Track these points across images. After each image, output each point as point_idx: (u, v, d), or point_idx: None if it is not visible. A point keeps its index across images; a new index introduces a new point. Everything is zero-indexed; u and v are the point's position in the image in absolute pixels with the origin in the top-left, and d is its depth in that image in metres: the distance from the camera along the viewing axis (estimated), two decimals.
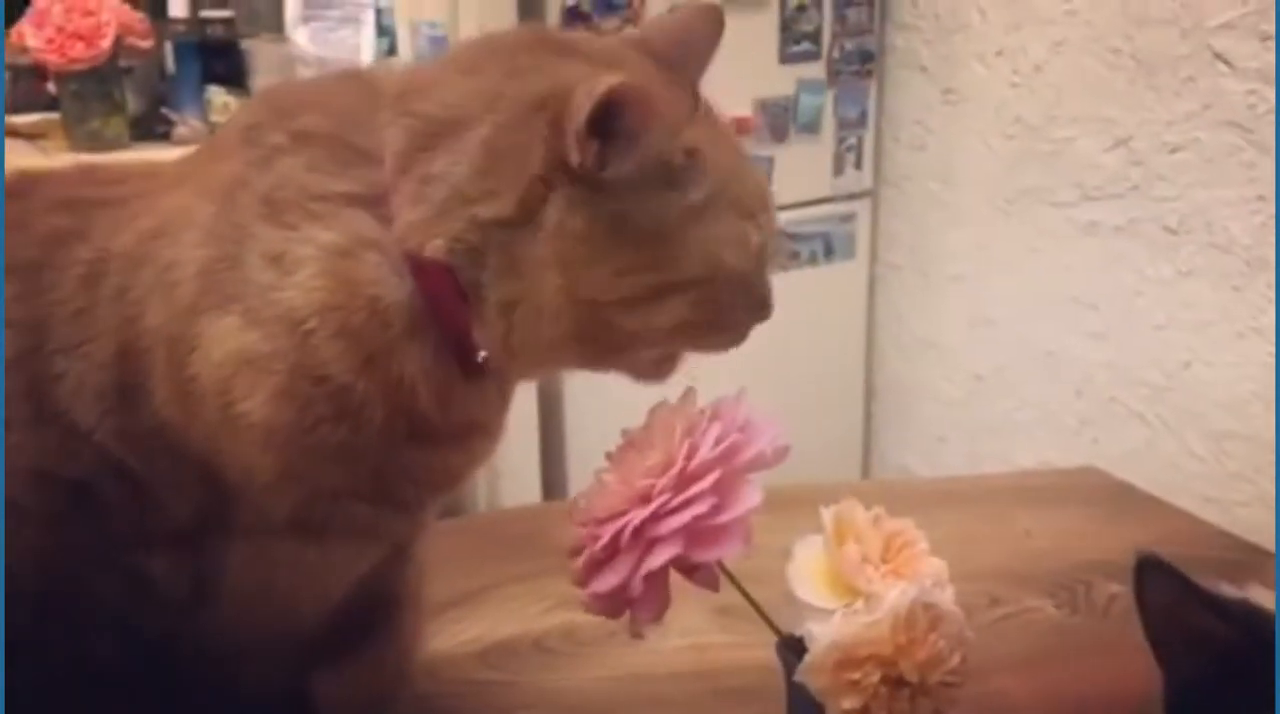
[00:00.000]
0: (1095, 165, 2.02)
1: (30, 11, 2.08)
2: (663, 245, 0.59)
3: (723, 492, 0.55)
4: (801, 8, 2.16)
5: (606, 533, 0.56)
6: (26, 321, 0.61)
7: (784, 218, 2.39)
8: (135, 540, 0.63)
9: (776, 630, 0.62)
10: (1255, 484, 1.82)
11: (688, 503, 0.54)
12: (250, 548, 0.64)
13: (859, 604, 0.56)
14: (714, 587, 0.59)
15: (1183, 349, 1.93)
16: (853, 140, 2.31)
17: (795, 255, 2.30)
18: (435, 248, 0.59)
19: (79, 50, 2.02)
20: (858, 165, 2.33)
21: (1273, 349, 1.80)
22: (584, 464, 2.27)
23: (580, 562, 0.57)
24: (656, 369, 0.67)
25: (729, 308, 0.63)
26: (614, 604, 0.58)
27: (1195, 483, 1.90)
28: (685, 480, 0.55)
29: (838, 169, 2.30)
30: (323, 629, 0.70)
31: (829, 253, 2.34)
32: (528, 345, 0.60)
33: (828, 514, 0.60)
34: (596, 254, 0.58)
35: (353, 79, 0.66)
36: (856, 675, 0.55)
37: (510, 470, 1.97)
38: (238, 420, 0.59)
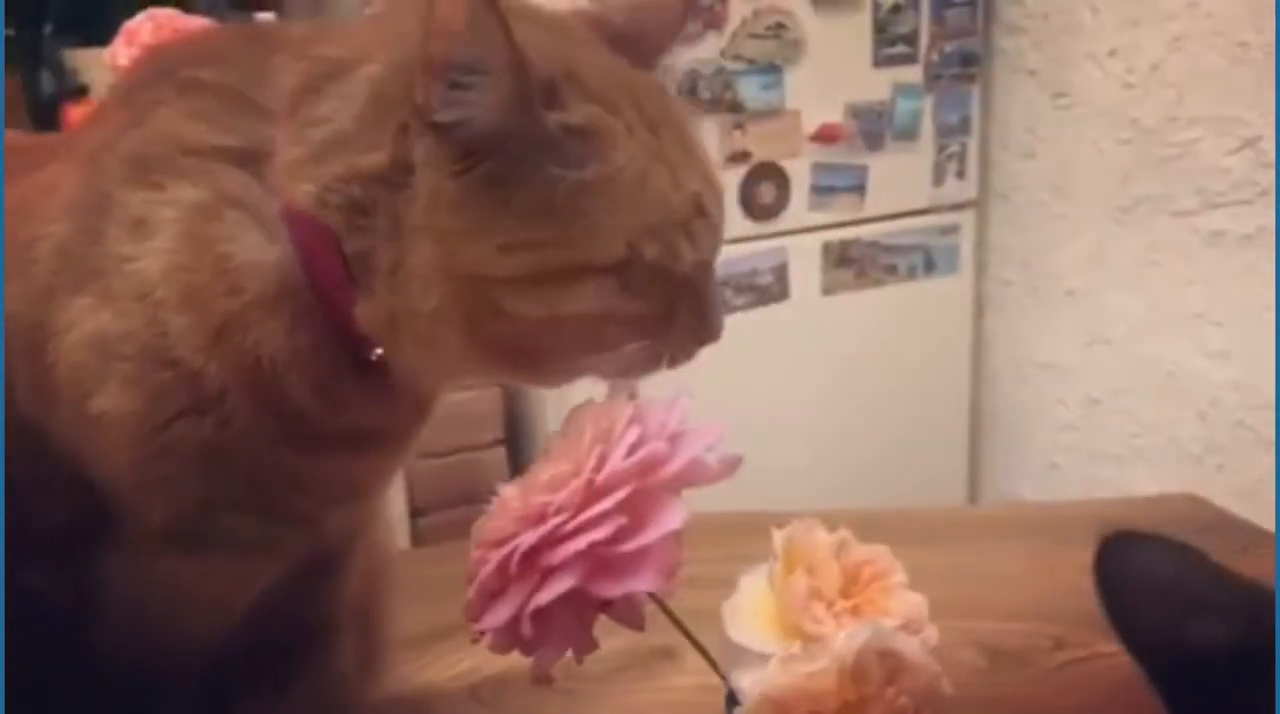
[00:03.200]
0: (1219, 169, 1.86)
1: (122, 32, 2.11)
2: (559, 221, 0.51)
3: (636, 511, 0.46)
4: (896, 9, 2.05)
5: (494, 559, 0.47)
6: None
7: (880, 229, 2.27)
8: (7, 549, 0.57)
9: (724, 678, 0.52)
10: None
11: (586, 525, 0.45)
12: (129, 560, 0.57)
13: (796, 648, 0.46)
14: (636, 625, 0.49)
15: None
16: (954, 148, 2.17)
17: (892, 269, 2.17)
18: (305, 194, 0.51)
19: None
20: (960, 174, 2.19)
21: None
22: None
23: (472, 591, 0.48)
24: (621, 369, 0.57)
25: (660, 308, 0.55)
26: (511, 642, 0.49)
27: None
28: (590, 497, 0.46)
29: (938, 178, 2.17)
30: (237, 654, 0.63)
31: (929, 267, 2.21)
32: (411, 327, 0.52)
33: (779, 537, 0.50)
34: (473, 224, 0.50)
35: (256, 33, 0.59)
36: None
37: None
38: (90, 414, 0.52)
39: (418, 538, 1.92)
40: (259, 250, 0.52)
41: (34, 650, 0.59)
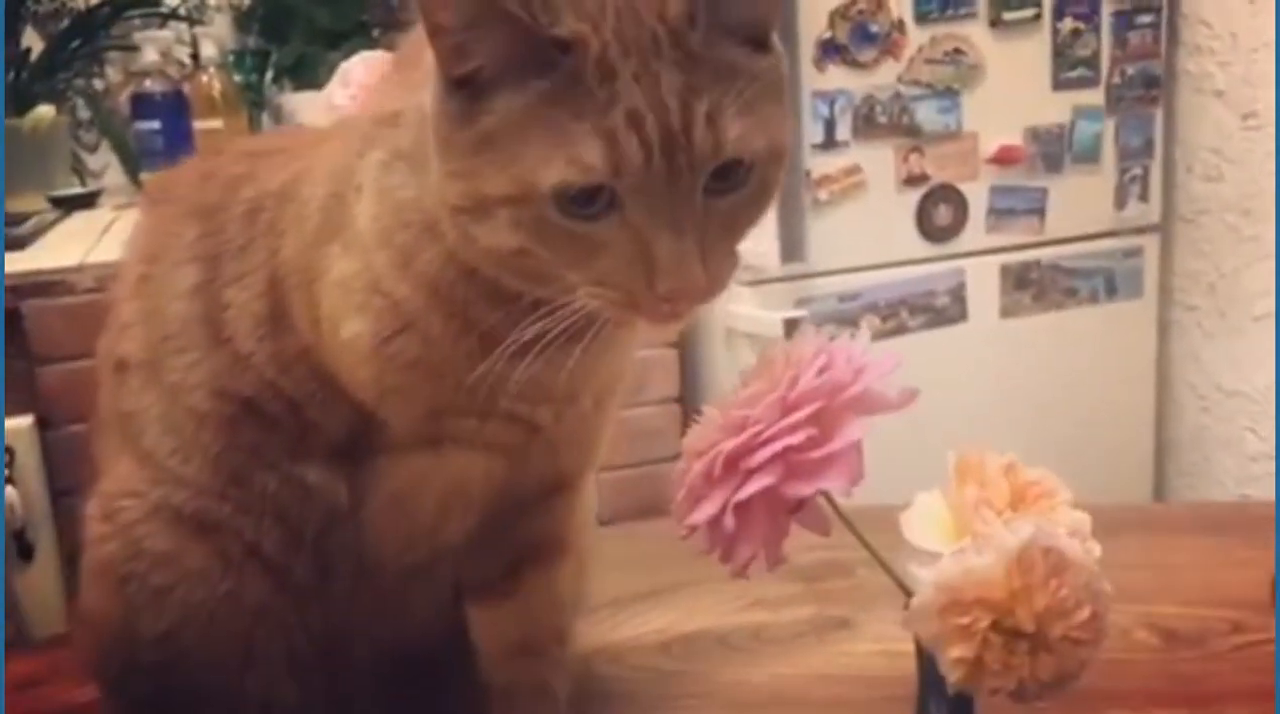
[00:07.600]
0: None
1: (338, 73, 2.29)
2: (485, 150, 0.54)
3: (823, 424, 0.53)
4: (1076, 33, 2.06)
5: (700, 465, 0.54)
6: (205, 256, 0.69)
7: (1060, 252, 2.27)
8: (295, 452, 0.68)
9: (906, 591, 0.57)
10: None
11: (782, 432, 0.52)
12: (388, 461, 0.68)
13: (966, 543, 0.52)
14: (821, 529, 0.55)
15: None
16: (1137, 170, 2.16)
17: (1072, 292, 2.17)
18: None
19: None
20: (1143, 197, 2.18)
21: None
22: None
23: (680, 495, 0.56)
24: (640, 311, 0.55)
25: (573, 241, 0.54)
26: (714, 539, 0.56)
27: None
28: (784, 410, 0.53)
29: (1120, 202, 2.16)
30: (474, 557, 0.72)
31: (1111, 291, 2.20)
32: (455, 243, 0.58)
33: (952, 457, 0.56)
34: (440, 151, 0.56)
35: None
36: (965, 620, 0.50)
37: None
38: (341, 340, 0.63)
39: None
40: (419, 188, 0.60)
41: (315, 535, 0.70)
